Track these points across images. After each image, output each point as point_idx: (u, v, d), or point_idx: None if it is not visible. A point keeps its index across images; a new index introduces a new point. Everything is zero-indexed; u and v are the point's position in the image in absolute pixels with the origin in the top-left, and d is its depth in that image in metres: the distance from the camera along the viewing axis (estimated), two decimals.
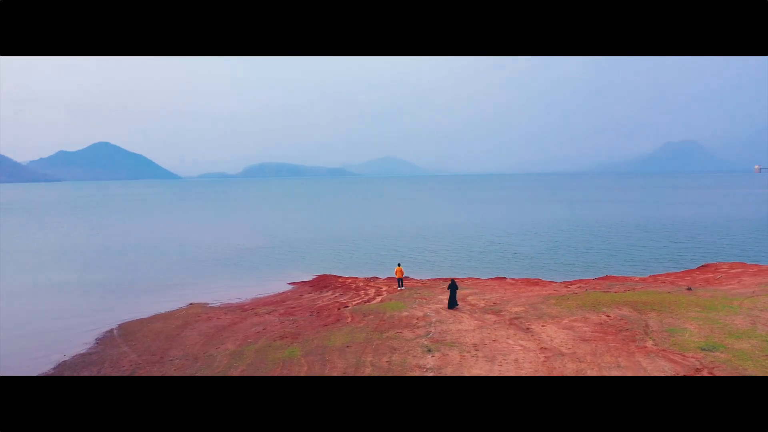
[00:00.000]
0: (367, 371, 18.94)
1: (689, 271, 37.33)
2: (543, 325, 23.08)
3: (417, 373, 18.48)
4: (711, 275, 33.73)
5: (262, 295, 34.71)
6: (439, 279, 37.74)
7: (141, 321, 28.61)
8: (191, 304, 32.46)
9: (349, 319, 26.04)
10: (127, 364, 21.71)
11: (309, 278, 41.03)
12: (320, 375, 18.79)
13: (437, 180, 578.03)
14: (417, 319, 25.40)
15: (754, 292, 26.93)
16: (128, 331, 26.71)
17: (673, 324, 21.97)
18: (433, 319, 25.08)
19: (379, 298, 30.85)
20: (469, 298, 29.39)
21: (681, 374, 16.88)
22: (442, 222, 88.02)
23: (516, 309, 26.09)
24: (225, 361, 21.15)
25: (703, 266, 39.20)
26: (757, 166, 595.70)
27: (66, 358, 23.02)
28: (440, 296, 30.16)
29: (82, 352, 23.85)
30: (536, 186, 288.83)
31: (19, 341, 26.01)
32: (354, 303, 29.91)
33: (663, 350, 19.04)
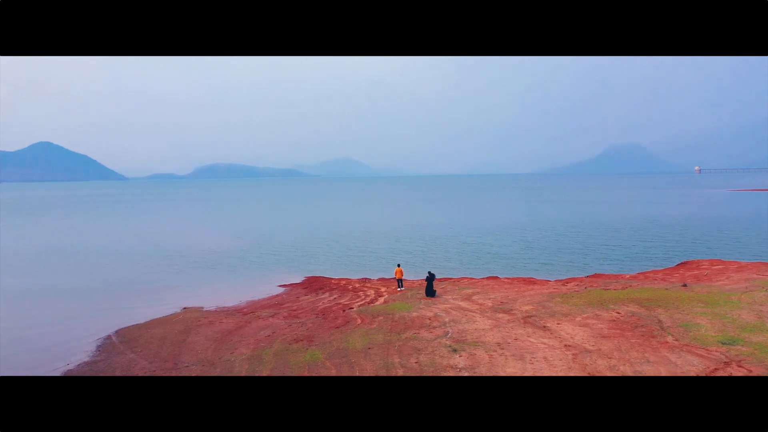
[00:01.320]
0: (400, 372, 18.80)
1: (674, 269, 38.68)
2: (558, 323, 23.46)
3: (451, 373, 18.46)
4: (697, 272, 35.10)
5: (257, 298, 33.96)
6: (440, 279, 37.84)
7: (138, 327, 27.52)
8: (186, 308, 31.45)
9: (359, 321, 25.79)
10: (139, 372, 20.82)
11: (297, 280, 40.43)
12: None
13: (392, 181, 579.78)
14: (429, 319, 25.38)
15: (746, 287, 28.14)
16: (129, 337, 25.63)
17: (684, 320, 22.72)
18: (446, 319, 25.11)
19: (381, 299, 30.68)
20: (475, 297, 29.59)
21: (711, 368, 17.47)
22: (408, 223, 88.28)
23: (525, 308, 26.42)
24: (245, 366, 20.56)
25: (683, 263, 40.71)
26: (696, 167, 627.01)
27: (71, 367, 21.91)
28: (445, 296, 30.25)
29: (86, 360, 22.73)
30: (491, 187, 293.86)
31: (14, 352, 24.59)
32: (357, 304, 29.63)
33: (686, 345, 19.66)
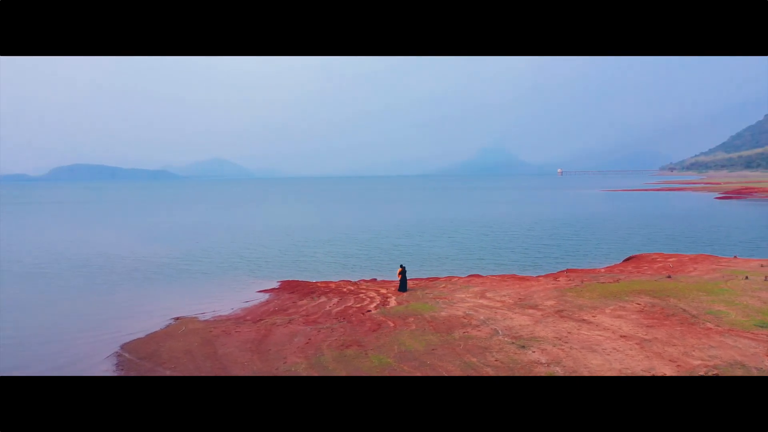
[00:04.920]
0: (490, 372, 18.67)
1: (635, 262, 41.54)
2: (594, 316, 24.52)
3: (541, 369, 18.65)
4: (661, 264, 38.27)
5: (247, 305, 31.77)
6: (427, 279, 37.83)
7: (144, 341, 24.59)
8: (178, 318, 28.67)
9: (391, 324, 25.13)
10: None
11: (269, 285, 38.26)
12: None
13: (275, 183, 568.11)
14: (463, 318, 25.37)
15: (722, 276, 31.29)
16: (144, 353, 22.84)
17: (705, 307, 24.76)
18: (481, 317, 25.27)
19: (393, 300, 30.11)
20: (488, 294, 30.02)
21: None
22: (325, 224, 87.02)
23: (548, 303, 27.31)
24: (314, 374, 19.29)
25: (633, 257, 43.92)
26: (559, 170, 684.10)
27: None
28: (457, 294, 30.37)
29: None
30: (384, 188, 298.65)
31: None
32: (372, 307, 28.81)
33: (730, 330, 21.44)
